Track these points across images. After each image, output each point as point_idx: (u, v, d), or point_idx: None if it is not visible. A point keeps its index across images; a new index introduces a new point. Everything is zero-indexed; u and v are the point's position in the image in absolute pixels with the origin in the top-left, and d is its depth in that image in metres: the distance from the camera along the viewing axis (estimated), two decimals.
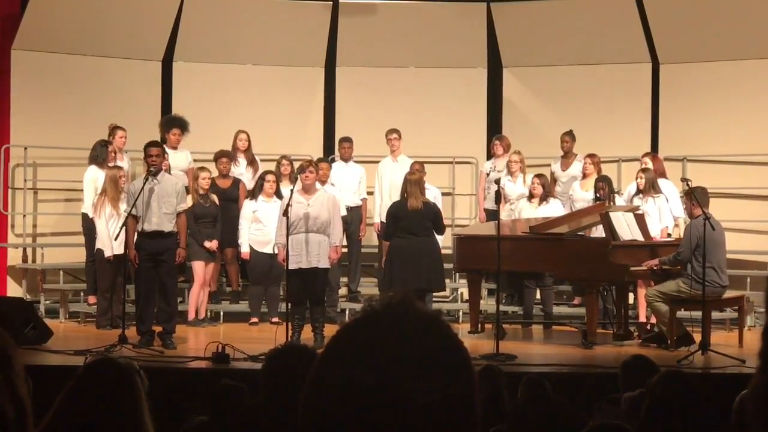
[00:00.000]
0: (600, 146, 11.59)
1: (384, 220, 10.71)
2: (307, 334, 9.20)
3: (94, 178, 10.62)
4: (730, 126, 12.04)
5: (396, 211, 9.90)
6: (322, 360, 1.34)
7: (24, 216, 11.99)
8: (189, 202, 10.32)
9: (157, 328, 9.17)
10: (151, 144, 9.42)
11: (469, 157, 12.92)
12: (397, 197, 10.18)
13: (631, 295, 10.59)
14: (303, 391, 1.34)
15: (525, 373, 6.59)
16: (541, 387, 5.32)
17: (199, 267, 10.58)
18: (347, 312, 11.23)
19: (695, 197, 9.14)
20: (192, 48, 12.70)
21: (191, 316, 10.58)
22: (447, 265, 10.88)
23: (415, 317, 1.34)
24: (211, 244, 10.58)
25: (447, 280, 11.84)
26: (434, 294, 10.95)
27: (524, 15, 12.88)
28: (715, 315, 9.85)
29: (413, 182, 9.87)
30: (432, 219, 9.85)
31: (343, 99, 13.07)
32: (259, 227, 10.73)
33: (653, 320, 9.77)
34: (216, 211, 10.70)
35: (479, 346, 8.97)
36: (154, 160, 9.21)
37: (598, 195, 10.56)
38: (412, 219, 9.73)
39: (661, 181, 10.57)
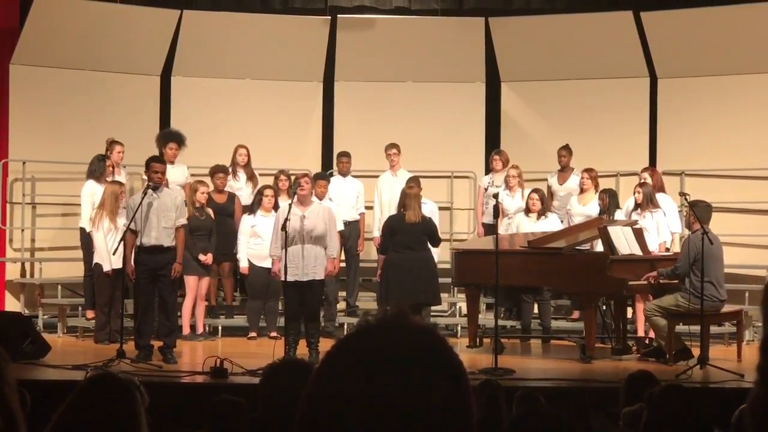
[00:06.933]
0: (598, 161, 11.59)
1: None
2: (302, 350, 9.17)
3: (91, 192, 10.62)
4: (728, 140, 12.05)
5: (393, 225, 9.91)
6: (318, 374, 1.35)
7: (22, 230, 11.99)
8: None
9: (158, 343, 9.16)
10: (157, 159, 9.43)
11: (468, 171, 12.92)
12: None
13: (629, 310, 10.58)
14: (299, 405, 1.34)
15: (524, 387, 6.59)
16: (535, 401, 5.31)
17: (192, 281, 10.56)
18: (345, 326, 11.21)
19: (693, 212, 9.14)
20: (190, 62, 12.72)
21: (186, 330, 10.54)
22: (445, 280, 10.87)
23: (409, 331, 1.35)
24: (206, 258, 10.57)
25: (445, 295, 11.84)
26: (432, 308, 10.95)
27: (522, 29, 12.90)
28: (714, 329, 9.84)
29: (412, 196, 9.89)
30: (428, 233, 9.87)
31: (342, 113, 13.06)
32: (257, 242, 10.71)
33: (652, 334, 9.75)
34: (211, 225, 10.68)
35: (478, 361, 8.96)
36: (160, 177, 9.22)
37: (599, 206, 10.58)
38: (408, 233, 9.74)
39: (659, 196, 10.56)
